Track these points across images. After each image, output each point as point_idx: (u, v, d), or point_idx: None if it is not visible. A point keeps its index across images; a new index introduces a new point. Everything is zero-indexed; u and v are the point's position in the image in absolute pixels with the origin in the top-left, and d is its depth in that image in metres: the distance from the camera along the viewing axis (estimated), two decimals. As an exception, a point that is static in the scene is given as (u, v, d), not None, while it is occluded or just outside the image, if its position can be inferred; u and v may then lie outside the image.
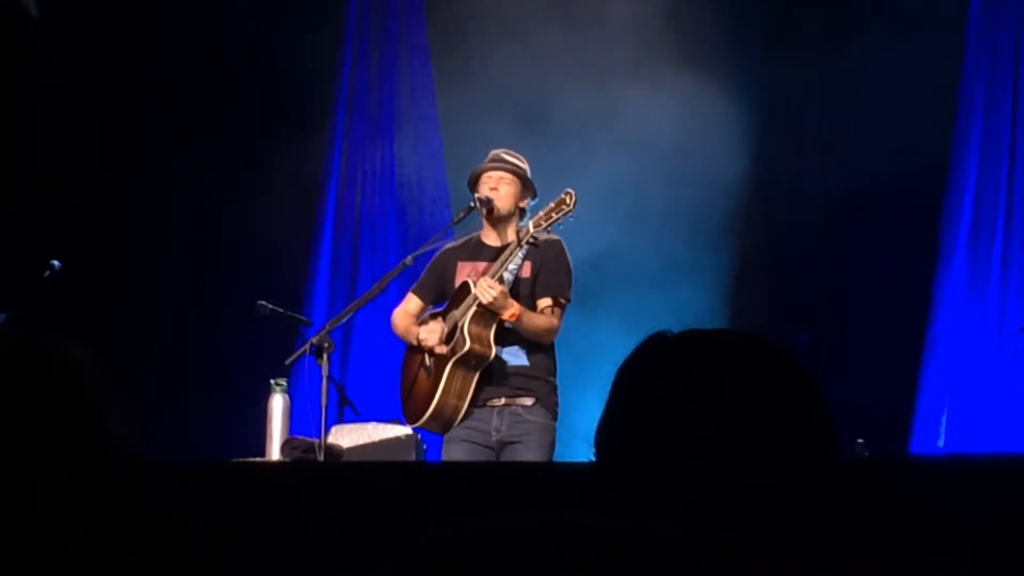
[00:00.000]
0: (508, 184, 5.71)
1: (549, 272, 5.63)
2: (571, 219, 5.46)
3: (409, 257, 5.88)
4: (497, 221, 5.71)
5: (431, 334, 5.62)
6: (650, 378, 1.60)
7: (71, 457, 1.74)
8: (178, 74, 8.14)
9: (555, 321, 5.60)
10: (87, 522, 1.41)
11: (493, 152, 5.85)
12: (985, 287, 7.58)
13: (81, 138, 7.89)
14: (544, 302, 5.61)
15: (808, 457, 1.53)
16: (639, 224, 7.79)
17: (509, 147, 5.98)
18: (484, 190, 5.70)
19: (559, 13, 7.95)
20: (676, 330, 1.67)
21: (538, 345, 5.60)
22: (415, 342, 5.71)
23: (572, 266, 5.69)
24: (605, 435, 1.61)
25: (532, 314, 5.55)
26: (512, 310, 5.44)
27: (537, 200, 5.76)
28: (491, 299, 5.40)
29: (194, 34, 8.07)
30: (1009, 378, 7.16)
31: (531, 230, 5.49)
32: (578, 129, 7.87)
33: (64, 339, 1.82)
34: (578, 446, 6.01)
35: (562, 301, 5.62)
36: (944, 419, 7.54)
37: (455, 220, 5.98)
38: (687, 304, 7.68)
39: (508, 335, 5.56)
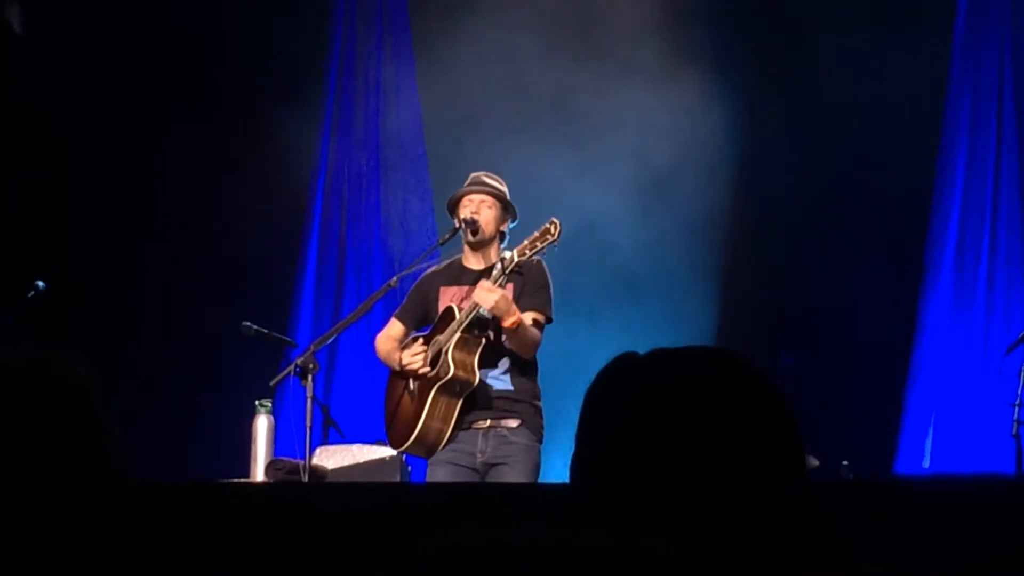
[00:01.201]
0: (489, 208, 5.64)
1: (531, 291, 5.55)
2: (555, 248, 5.34)
3: (394, 278, 5.86)
4: (479, 245, 5.64)
5: (414, 358, 5.57)
6: (619, 397, 1.59)
7: (73, 472, 1.73)
8: (163, 84, 8.13)
9: (540, 336, 5.55)
10: (87, 539, 1.40)
11: (473, 175, 5.78)
12: (971, 306, 7.60)
13: (62, 155, 7.88)
14: (528, 318, 5.55)
15: (777, 472, 1.53)
16: (629, 230, 7.78)
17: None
18: (465, 213, 5.63)
19: (542, 18, 7.95)
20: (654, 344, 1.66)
21: (521, 369, 5.53)
22: (398, 367, 5.65)
23: (552, 285, 5.64)
24: (579, 459, 1.60)
25: (528, 325, 5.48)
26: (515, 317, 5.33)
27: (517, 222, 5.72)
28: (492, 303, 5.29)
29: (184, 41, 8.06)
30: (994, 398, 7.16)
31: (515, 259, 5.37)
32: (568, 137, 7.87)
33: (66, 355, 1.81)
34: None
35: (541, 320, 5.57)
36: (930, 439, 7.55)
37: (440, 241, 5.94)
38: (673, 318, 7.72)
39: (491, 360, 5.50)
